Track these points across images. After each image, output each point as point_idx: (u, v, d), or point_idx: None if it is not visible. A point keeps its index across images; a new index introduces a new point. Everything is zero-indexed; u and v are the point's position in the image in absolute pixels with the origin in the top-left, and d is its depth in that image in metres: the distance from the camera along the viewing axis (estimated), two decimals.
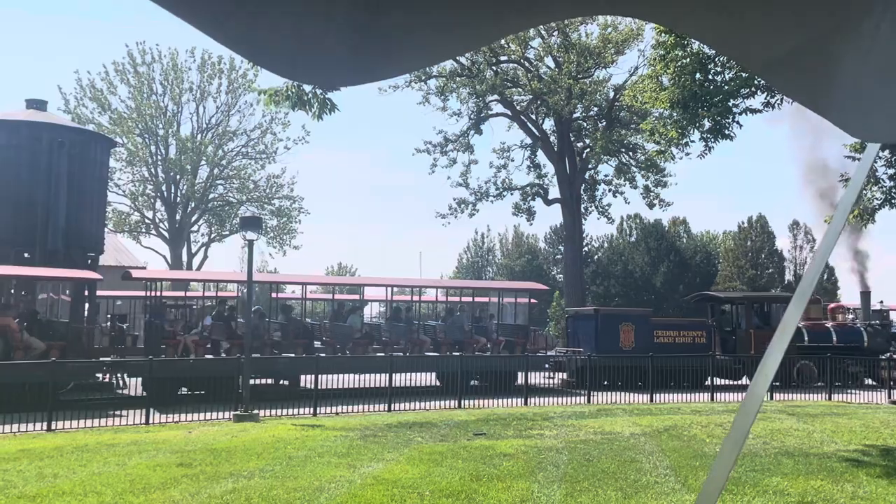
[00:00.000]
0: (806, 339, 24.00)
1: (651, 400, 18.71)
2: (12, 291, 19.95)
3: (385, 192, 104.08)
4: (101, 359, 18.40)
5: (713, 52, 13.02)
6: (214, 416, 14.71)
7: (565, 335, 25.19)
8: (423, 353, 20.76)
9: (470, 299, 26.91)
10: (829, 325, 25.56)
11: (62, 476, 9.04)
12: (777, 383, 20.89)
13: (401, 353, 20.16)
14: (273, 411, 15.47)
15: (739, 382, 22.02)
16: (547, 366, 22.41)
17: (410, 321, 22.84)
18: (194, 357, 18.30)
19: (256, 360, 17.62)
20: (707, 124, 13.70)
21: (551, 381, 22.02)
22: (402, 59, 1.49)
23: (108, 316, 25.04)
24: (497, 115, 41.78)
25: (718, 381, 20.94)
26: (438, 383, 20.07)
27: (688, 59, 13.44)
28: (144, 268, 37.68)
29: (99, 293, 22.29)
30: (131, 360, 18.56)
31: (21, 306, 18.74)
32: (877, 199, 14.55)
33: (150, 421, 14.08)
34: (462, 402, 17.09)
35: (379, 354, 20.17)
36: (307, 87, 8.82)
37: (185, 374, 17.52)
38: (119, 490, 8.26)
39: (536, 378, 21.01)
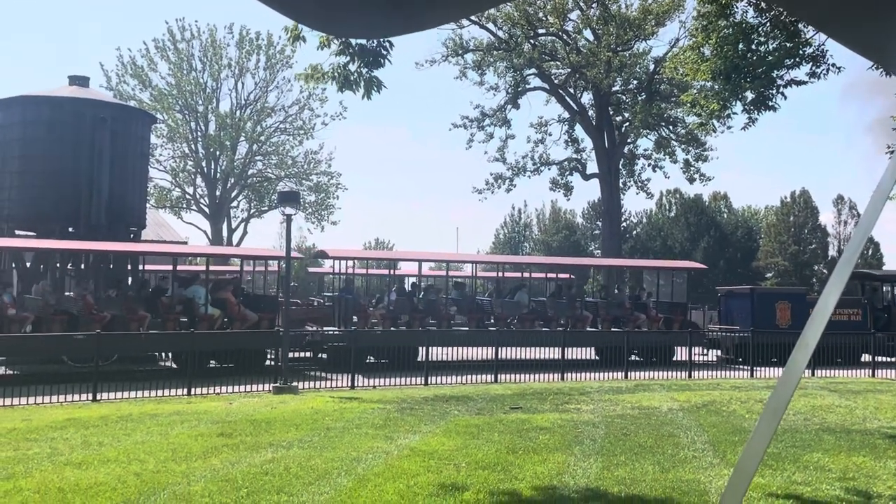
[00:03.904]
0: None
1: (690, 376, 18.57)
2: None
3: (421, 167, 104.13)
4: (307, 328, 19.60)
5: (757, 20, 12.73)
6: (254, 388, 14.93)
7: (718, 313, 25.92)
8: (586, 329, 21.71)
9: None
10: None
11: (107, 444, 9.25)
12: None
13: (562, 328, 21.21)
14: (311, 384, 15.65)
15: (894, 359, 21.77)
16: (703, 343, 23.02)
17: (573, 298, 23.38)
18: (381, 329, 19.74)
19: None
20: (750, 96, 13.42)
21: (705, 357, 22.31)
22: (442, 5, 1.46)
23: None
24: (534, 88, 41.42)
25: (871, 358, 20.75)
26: (597, 357, 20.66)
27: (731, 30, 13.15)
28: (186, 242, 38.20)
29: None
30: (331, 331, 19.73)
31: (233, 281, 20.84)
32: None
33: (192, 392, 14.34)
34: (499, 376, 17.13)
35: (544, 329, 21.15)
36: (352, 68, 8.71)
37: (374, 344, 18.72)
38: (162, 458, 8.43)
39: (684, 354, 21.21)
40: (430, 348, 17.28)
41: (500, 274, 27.51)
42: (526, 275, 28.04)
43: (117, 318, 17.29)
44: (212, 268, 22.01)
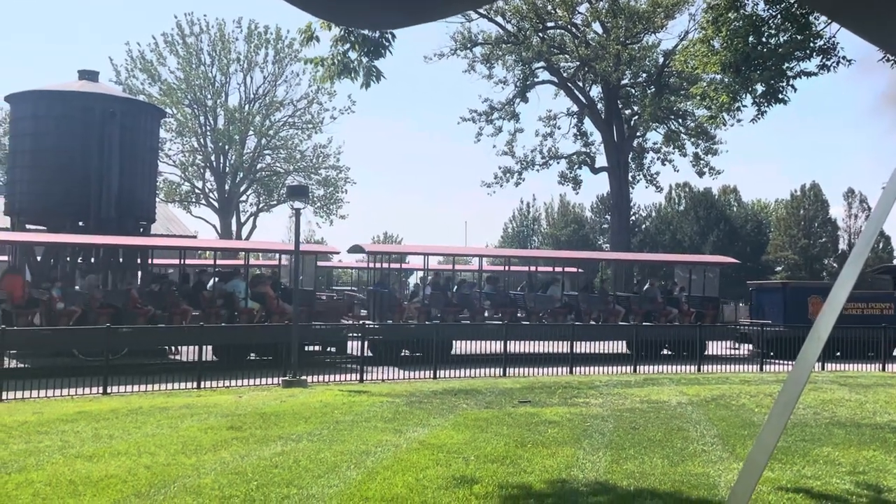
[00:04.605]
0: None
1: (699, 370, 18.53)
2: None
3: (429, 160, 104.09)
4: (343, 322, 19.85)
5: (767, 12, 12.67)
6: (263, 381, 14.96)
7: (749, 308, 26.14)
8: (618, 323, 21.74)
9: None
10: None
11: (117, 437, 9.30)
12: None
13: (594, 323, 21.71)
14: (320, 377, 15.69)
15: None
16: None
17: (605, 292, 23.45)
18: (416, 323, 19.87)
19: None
20: (760, 88, 13.36)
21: (736, 351, 22.41)
22: None
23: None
24: (543, 82, 41.30)
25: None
26: (629, 351, 20.73)
27: (741, 22, 13.08)
28: (195, 237, 38.30)
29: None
30: (367, 325, 20.00)
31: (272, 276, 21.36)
32: None
33: (201, 386, 14.39)
34: (507, 370, 17.13)
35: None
36: (352, 55, 8.72)
37: (406, 338, 18.94)
38: (172, 451, 8.47)
39: (718, 348, 21.41)
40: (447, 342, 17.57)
41: (534, 268, 27.57)
42: (534, 269, 28.09)
43: (160, 312, 17.81)
44: (223, 261, 22.27)
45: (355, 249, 23.87)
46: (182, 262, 22.36)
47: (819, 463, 8.36)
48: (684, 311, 22.80)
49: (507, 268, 27.83)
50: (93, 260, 20.91)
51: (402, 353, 18.80)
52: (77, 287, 18.52)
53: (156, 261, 23.30)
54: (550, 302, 22.33)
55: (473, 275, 29.25)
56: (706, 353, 20.68)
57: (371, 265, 23.54)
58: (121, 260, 20.77)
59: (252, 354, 18.01)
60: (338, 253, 24.04)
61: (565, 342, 18.72)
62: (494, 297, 22.62)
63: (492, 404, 12.37)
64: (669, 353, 21.15)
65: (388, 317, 20.15)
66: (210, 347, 17.12)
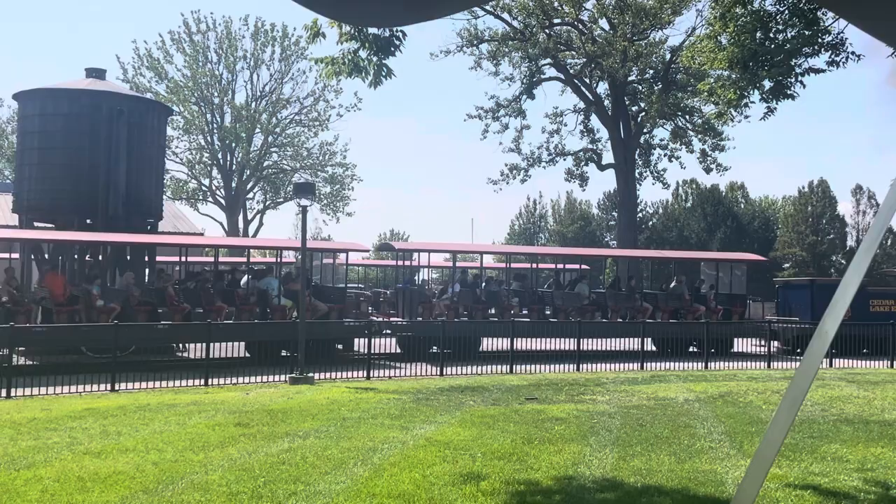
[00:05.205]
0: None
1: (706, 366, 18.50)
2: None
3: (436, 158, 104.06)
4: (371, 319, 19.92)
5: (775, 7, 12.63)
6: (271, 378, 14.99)
7: (775, 305, 26.11)
8: (646, 320, 21.62)
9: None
10: None
11: (125, 434, 9.33)
12: None
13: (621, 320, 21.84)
14: (327, 374, 15.71)
15: None
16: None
17: (632, 290, 23.54)
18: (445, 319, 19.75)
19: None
20: (767, 84, 13.31)
21: (763, 348, 22.30)
22: None
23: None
24: (550, 79, 41.26)
25: None
26: (654, 349, 20.73)
27: (748, 18, 13.05)
28: (202, 234, 38.38)
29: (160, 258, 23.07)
30: (396, 321, 20.32)
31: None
32: None
33: (209, 383, 14.43)
34: (514, 367, 17.13)
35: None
36: (363, 54, 8.71)
37: (436, 334, 18.66)
38: (180, 448, 8.50)
39: (745, 345, 21.57)
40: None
41: (562, 265, 27.62)
42: (535, 265, 28.11)
43: (196, 309, 18.22)
44: (225, 259, 22.33)
45: (384, 247, 24.45)
46: (216, 259, 22.84)
47: (827, 460, 8.33)
48: (712, 309, 22.72)
49: (534, 265, 27.87)
50: (99, 257, 20.98)
51: (432, 350, 18.88)
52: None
53: (161, 258, 23.47)
54: (578, 299, 22.32)
55: (483, 272, 29.38)
56: (732, 349, 20.69)
57: (400, 263, 24.07)
58: (128, 258, 20.82)
59: (284, 351, 18.08)
60: (367, 251, 24.59)
61: (577, 339, 18.74)
62: (522, 295, 22.72)
63: (498, 401, 12.37)
64: (696, 349, 21.02)
65: (416, 314, 20.27)
66: (220, 345, 17.19)
